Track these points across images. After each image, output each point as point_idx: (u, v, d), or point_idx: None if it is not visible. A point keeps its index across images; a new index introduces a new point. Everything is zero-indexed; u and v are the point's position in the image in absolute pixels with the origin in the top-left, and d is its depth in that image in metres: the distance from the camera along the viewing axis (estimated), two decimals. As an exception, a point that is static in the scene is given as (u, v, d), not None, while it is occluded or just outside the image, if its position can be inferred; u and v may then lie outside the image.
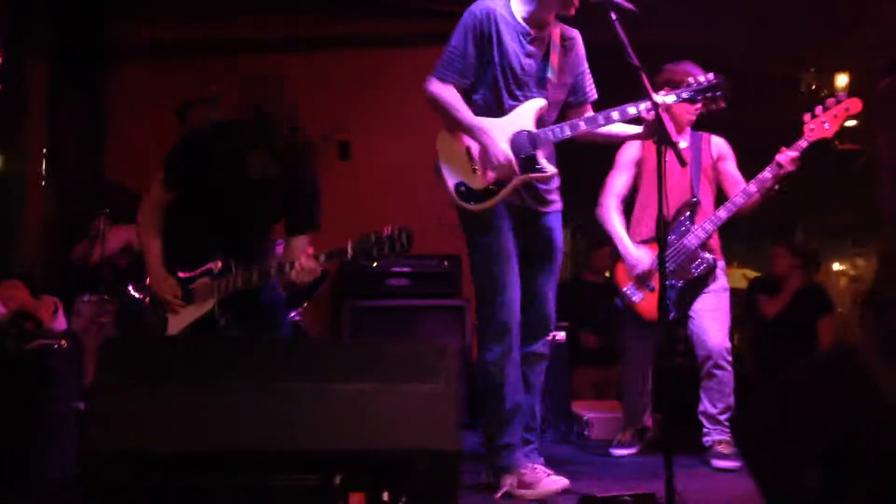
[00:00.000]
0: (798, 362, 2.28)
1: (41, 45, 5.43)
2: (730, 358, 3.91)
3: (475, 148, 3.19)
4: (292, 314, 4.49)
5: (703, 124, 4.12)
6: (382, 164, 5.77)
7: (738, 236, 7.51)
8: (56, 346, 4.02)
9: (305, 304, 4.71)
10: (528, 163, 3.17)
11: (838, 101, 3.68)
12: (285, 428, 2.11)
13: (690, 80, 3.16)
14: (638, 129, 3.23)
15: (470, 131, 3.17)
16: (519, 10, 3.22)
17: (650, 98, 2.92)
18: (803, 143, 3.70)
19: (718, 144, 4.12)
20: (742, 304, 6.14)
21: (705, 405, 3.93)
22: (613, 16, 2.95)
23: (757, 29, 5.74)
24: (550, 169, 3.21)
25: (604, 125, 3.18)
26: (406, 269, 5.25)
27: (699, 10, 5.47)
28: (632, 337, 4.16)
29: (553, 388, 4.79)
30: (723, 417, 3.89)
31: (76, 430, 3.47)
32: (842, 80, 6.48)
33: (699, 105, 3.80)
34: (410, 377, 2.15)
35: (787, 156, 3.71)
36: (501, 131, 3.15)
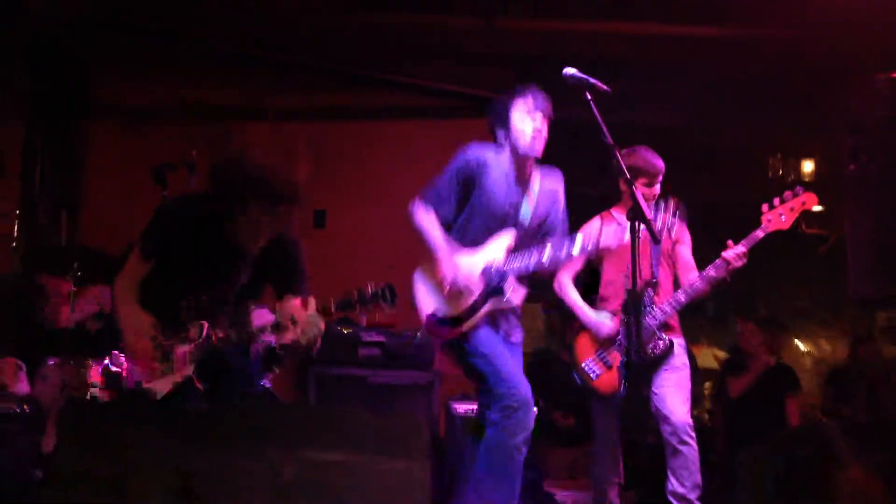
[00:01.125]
0: (768, 441, 2.30)
1: (19, 101, 5.42)
2: (693, 434, 3.90)
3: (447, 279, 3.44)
4: (263, 381, 4.42)
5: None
6: (357, 233, 5.79)
7: (704, 315, 7.52)
8: (16, 410, 3.92)
9: (276, 371, 4.64)
10: (497, 293, 3.43)
11: (795, 195, 3.74)
12: (253, 496, 2.07)
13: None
14: None
15: (435, 253, 3.44)
16: (507, 157, 3.51)
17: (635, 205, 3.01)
18: (759, 234, 3.75)
19: (678, 226, 4.16)
20: (713, 384, 6.15)
21: (674, 485, 3.88)
22: (588, 96, 3.07)
23: (726, 112, 5.91)
24: (514, 301, 3.46)
25: (563, 258, 3.42)
26: (378, 339, 5.22)
27: (671, 93, 5.63)
28: (598, 412, 4.14)
29: (524, 467, 4.73)
30: (692, 496, 3.85)
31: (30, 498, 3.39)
32: (808, 166, 6.61)
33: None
34: (385, 450, 2.13)
35: (734, 253, 3.75)
36: (471, 262, 3.43)
